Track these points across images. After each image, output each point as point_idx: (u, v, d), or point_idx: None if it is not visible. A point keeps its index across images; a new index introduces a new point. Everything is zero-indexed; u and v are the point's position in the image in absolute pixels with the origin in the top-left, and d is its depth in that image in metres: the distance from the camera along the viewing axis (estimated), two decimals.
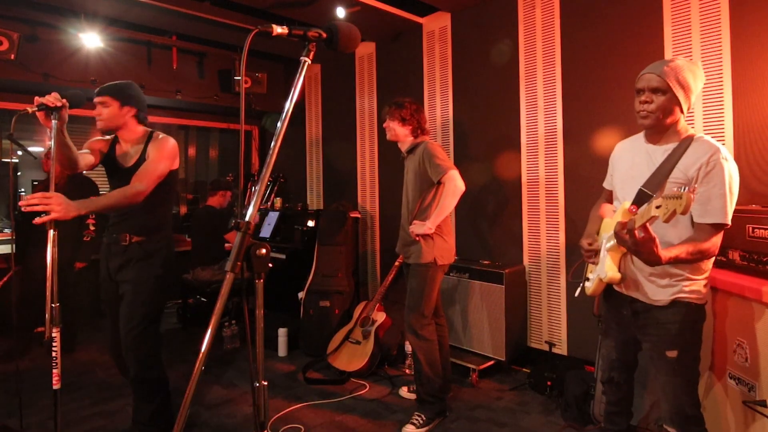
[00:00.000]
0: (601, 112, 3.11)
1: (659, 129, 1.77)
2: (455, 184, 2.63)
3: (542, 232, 3.46)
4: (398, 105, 2.81)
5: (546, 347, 3.28)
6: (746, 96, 2.56)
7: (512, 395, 3.08)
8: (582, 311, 3.21)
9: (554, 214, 3.39)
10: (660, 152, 1.77)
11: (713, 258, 1.74)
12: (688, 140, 1.72)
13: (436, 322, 2.88)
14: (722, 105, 2.63)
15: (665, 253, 1.54)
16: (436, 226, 2.66)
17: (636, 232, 1.44)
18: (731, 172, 1.64)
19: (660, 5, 2.85)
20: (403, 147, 2.88)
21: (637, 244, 1.48)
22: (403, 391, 3.11)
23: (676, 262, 1.61)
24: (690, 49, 2.74)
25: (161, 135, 2.46)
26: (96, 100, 2.34)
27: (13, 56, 3.76)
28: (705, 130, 2.69)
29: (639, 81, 1.76)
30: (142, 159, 2.38)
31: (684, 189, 1.34)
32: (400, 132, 2.83)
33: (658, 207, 1.37)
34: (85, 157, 2.34)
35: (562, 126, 3.33)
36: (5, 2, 3.81)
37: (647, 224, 1.44)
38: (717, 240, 1.65)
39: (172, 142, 2.43)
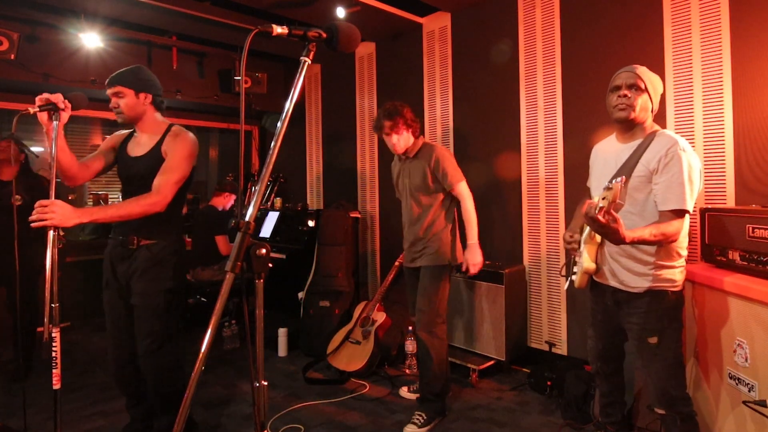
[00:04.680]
0: (601, 112, 3.09)
1: (630, 125, 1.92)
2: (470, 196, 2.81)
3: (542, 232, 3.46)
4: (398, 113, 2.74)
5: (546, 347, 3.28)
6: (746, 96, 2.56)
7: (512, 395, 3.07)
8: (582, 311, 3.21)
9: (554, 214, 3.39)
10: (626, 150, 1.93)
11: (685, 245, 1.89)
12: (652, 136, 1.88)
13: None
14: (722, 105, 2.63)
15: (629, 234, 1.64)
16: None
17: (598, 216, 1.54)
18: (690, 162, 1.78)
19: (660, 5, 2.86)
20: (412, 151, 2.83)
21: (601, 226, 1.58)
22: (403, 391, 3.11)
23: (641, 242, 1.73)
24: (690, 49, 2.74)
25: (180, 131, 2.27)
26: (110, 91, 2.17)
27: (13, 56, 3.76)
28: (705, 130, 2.69)
29: (615, 79, 1.92)
30: (154, 151, 2.21)
31: (617, 180, 1.46)
32: (408, 139, 2.80)
33: (603, 198, 1.51)
34: (89, 165, 2.22)
35: (562, 126, 3.33)
36: (5, 2, 3.81)
37: (606, 209, 1.55)
38: (678, 225, 1.77)
39: (191, 138, 2.25)
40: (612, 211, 1.54)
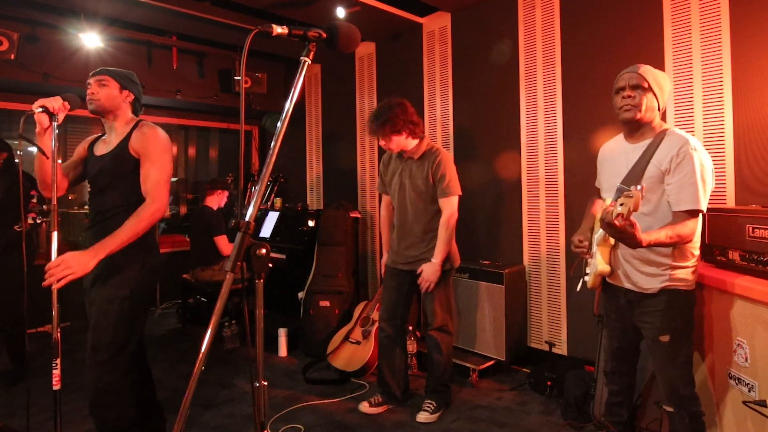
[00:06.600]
0: (601, 112, 3.11)
1: (638, 125, 1.91)
2: (455, 214, 2.72)
3: (542, 232, 3.46)
4: (387, 119, 2.65)
5: (546, 347, 3.28)
6: (746, 96, 2.56)
7: (512, 395, 3.08)
8: (582, 311, 3.21)
9: (554, 214, 3.39)
10: (636, 150, 1.92)
11: (698, 245, 1.88)
12: (661, 135, 1.86)
13: None
14: (722, 105, 2.63)
15: (646, 237, 1.63)
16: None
17: (615, 221, 1.52)
18: (702, 162, 1.77)
19: (660, 5, 2.86)
20: (416, 153, 2.79)
21: (618, 231, 1.57)
22: (364, 407, 2.89)
23: (657, 245, 1.72)
24: (690, 49, 2.74)
25: (149, 126, 2.11)
26: (94, 79, 2.09)
27: (13, 56, 3.76)
28: (705, 130, 2.69)
29: (619, 80, 1.91)
30: (120, 148, 2.07)
31: (638, 188, 1.46)
32: (404, 141, 2.75)
33: (622, 205, 1.50)
34: (64, 175, 2.15)
35: (562, 126, 3.33)
36: (5, 2, 3.81)
37: (625, 215, 1.54)
38: (693, 225, 1.76)
39: (163, 133, 2.12)
40: (629, 216, 1.54)
